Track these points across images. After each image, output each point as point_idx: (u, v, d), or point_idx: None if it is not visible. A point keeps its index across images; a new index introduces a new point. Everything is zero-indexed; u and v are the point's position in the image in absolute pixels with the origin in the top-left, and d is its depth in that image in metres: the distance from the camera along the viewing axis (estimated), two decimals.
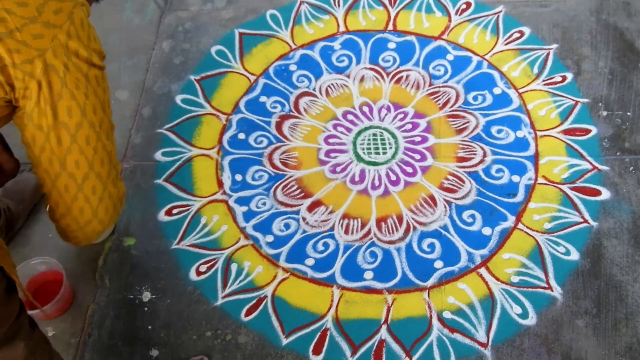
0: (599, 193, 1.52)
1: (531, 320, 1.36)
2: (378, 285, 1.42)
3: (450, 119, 1.66)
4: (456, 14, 1.86)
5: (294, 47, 1.82)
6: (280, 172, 1.60)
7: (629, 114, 1.64)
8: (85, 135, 0.85)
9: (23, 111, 0.81)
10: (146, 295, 1.44)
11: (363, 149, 1.63)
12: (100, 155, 0.89)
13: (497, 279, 1.41)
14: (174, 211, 1.56)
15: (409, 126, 1.66)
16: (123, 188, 0.99)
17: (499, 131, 1.63)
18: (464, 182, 1.56)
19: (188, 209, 1.56)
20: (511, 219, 1.49)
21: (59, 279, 1.38)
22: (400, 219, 1.51)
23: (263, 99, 1.73)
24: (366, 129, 1.66)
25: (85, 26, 0.82)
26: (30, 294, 1.42)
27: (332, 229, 1.50)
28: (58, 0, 0.78)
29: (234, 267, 1.46)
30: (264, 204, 1.55)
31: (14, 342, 0.95)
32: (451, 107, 1.68)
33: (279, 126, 1.68)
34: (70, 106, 0.82)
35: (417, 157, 1.60)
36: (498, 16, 1.84)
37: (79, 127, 0.84)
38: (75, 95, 0.82)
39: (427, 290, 1.41)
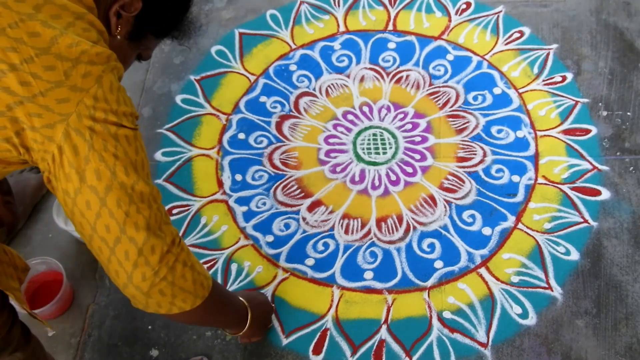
0: (599, 193, 1.52)
1: (531, 320, 1.36)
2: (378, 285, 1.42)
3: (450, 119, 1.66)
4: (456, 14, 1.86)
5: (294, 47, 1.83)
6: (280, 172, 1.60)
7: (629, 114, 1.64)
8: (116, 198, 0.80)
9: (48, 175, 0.78)
10: None
11: (363, 149, 1.63)
12: (134, 220, 0.82)
13: (497, 279, 1.41)
14: (174, 211, 1.56)
15: (409, 126, 1.66)
16: (175, 255, 0.88)
17: (499, 131, 1.63)
18: (464, 182, 1.56)
19: (188, 209, 1.56)
20: (511, 219, 1.49)
21: (59, 279, 1.38)
22: (400, 219, 1.51)
23: (263, 99, 1.73)
24: (366, 129, 1.66)
25: (115, 90, 0.78)
26: (30, 294, 1.43)
27: (332, 229, 1.51)
28: (88, 64, 0.74)
29: (234, 267, 1.46)
30: (264, 204, 1.55)
31: (3, 355, 0.94)
32: (451, 107, 1.68)
33: (279, 126, 1.68)
34: (99, 169, 0.77)
35: (417, 157, 1.60)
36: (498, 16, 1.84)
37: (108, 190, 0.79)
38: (104, 157, 0.77)
39: (427, 290, 1.41)
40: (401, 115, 1.67)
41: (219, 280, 1.44)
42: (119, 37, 0.86)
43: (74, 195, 0.78)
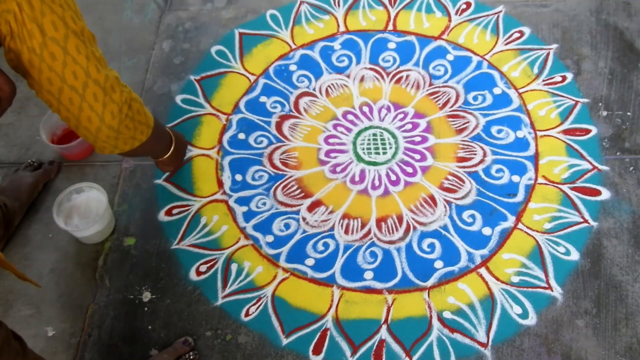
0: (599, 193, 1.52)
1: (531, 320, 1.36)
2: (378, 285, 1.42)
3: (450, 119, 1.66)
4: (456, 14, 1.86)
5: (294, 47, 1.83)
6: (280, 172, 1.60)
7: (629, 114, 1.64)
8: (75, 45, 0.90)
9: (12, 37, 0.85)
10: (146, 295, 1.44)
11: (363, 149, 1.63)
12: (94, 63, 0.94)
13: (497, 279, 1.41)
14: (174, 211, 1.56)
15: (409, 126, 1.66)
16: (128, 92, 1.03)
17: (499, 131, 1.63)
18: (464, 182, 1.56)
19: (188, 209, 1.56)
20: (511, 219, 1.49)
21: None
22: (400, 219, 1.51)
23: (263, 99, 1.73)
24: (366, 129, 1.66)
25: None
26: (60, 137, 1.64)
27: (332, 229, 1.50)
28: None
29: (234, 267, 1.46)
30: (264, 204, 1.55)
31: None
32: (451, 107, 1.68)
33: (279, 126, 1.68)
34: (54, 20, 0.87)
35: (417, 157, 1.60)
36: (498, 16, 1.84)
37: (66, 38, 0.89)
38: (54, 9, 0.87)
39: (427, 290, 1.41)
40: (401, 115, 1.67)
41: (219, 280, 1.45)
42: None
43: (40, 50, 0.87)
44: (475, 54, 1.77)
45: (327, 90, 1.73)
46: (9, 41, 0.87)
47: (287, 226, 1.52)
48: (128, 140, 1.09)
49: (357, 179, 1.58)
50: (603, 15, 1.82)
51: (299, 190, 1.57)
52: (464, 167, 1.58)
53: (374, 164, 1.60)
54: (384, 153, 1.62)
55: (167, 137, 1.42)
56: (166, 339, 1.37)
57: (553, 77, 1.71)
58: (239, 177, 1.60)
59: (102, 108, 0.97)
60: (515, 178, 1.55)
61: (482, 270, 1.43)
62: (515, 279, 1.41)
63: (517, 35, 1.80)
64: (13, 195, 1.50)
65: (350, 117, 1.68)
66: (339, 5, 1.90)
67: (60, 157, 1.65)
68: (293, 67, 1.78)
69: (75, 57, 0.91)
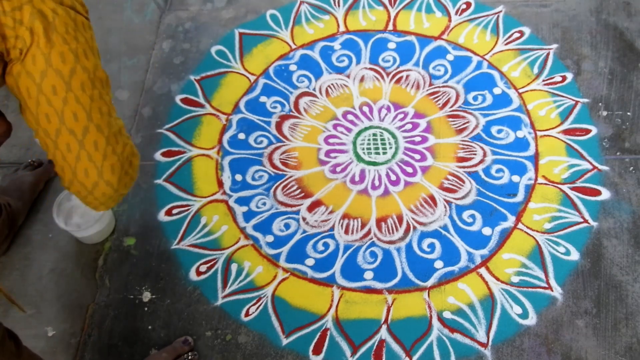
0: (599, 193, 1.52)
1: (531, 320, 1.36)
2: (378, 285, 1.42)
3: (450, 119, 1.66)
4: (456, 14, 1.86)
5: (294, 47, 1.82)
6: (280, 172, 1.60)
7: (629, 114, 1.64)
8: (80, 82, 0.81)
9: (15, 63, 0.79)
10: (146, 295, 1.44)
11: (363, 149, 1.63)
12: (98, 105, 0.84)
13: (497, 279, 1.41)
14: (174, 211, 1.56)
15: (409, 126, 1.66)
16: (130, 146, 0.92)
17: (499, 131, 1.63)
18: (464, 182, 1.56)
19: (188, 209, 1.56)
20: (511, 219, 1.49)
21: None
22: (400, 219, 1.51)
23: (263, 99, 1.73)
24: (366, 129, 1.66)
25: None
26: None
27: (332, 229, 1.50)
28: None
29: (234, 267, 1.46)
30: (264, 204, 1.55)
31: None
32: (451, 107, 1.68)
33: (279, 126, 1.68)
34: (63, 51, 0.79)
35: (417, 157, 1.60)
36: (498, 16, 1.84)
37: (72, 73, 0.80)
38: (67, 40, 0.79)
39: (427, 290, 1.41)
40: (401, 115, 1.67)
41: (219, 281, 1.45)
42: None
43: (40, 79, 0.79)
44: (475, 54, 1.77)
45: (327, 90, 1.73)
46: (12, 67, 0.80)
47: (287, 226, 1.52)
48: (117, 199, 0.98)
49: (357, 179, 1.58)
50: (603, 15, 1.82)
51: (299, 190, 1.57)
52: (464, 167, 1.58)
53: (374, 164, 1.60)
54: (384, 153, 1.62)
55: None
56: (166, 339, 1.37)
57: (553, 77, 1.71)
58: (239, 177, 1.60)
59: (102, 160, 0.86)
60: (515, 178, 1.55)
61: (482, 270, 1.43)
62: (515, 279, 1.41)
63: (517, 35, 1.80)
64: (16, 195, 1.50)
65: (350, 117, 1.68)
66: (339, 5, 1.90)
67: None
68: (293, 67, 1.78)
69: (78, 95, 0.81)
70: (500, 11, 1.85)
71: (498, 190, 1.54)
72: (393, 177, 1.58)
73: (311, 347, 1.35)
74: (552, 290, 1.39)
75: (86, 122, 0.83)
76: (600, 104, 1.66)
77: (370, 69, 1.76)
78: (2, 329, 0.98)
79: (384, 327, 1.36)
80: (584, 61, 1.74)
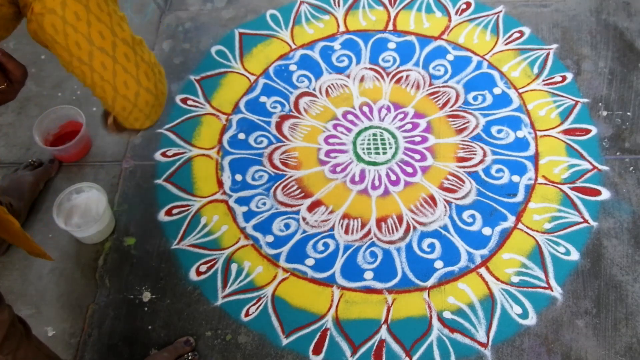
0: (599, 193, 1.52)
1: (531, 320, 1.36)
2: (378, 285, 1.42)
3: (450, 119, 1.66)
4: (456, 14, 1.86)
5: (294, 47, 1.82)
6: (280, 172, 1.60)
7: (629, 114, 1.64)
8: (96, 3, 0.85)
9: (34, 3, 0.81)
10: (146, 295, 1.44)
11: (363, 149, 1.63)
12: (116, 20, 0.88)
13: (497, 279, 1.41)
14: (174, 211, 1.56)
15: (409, 126, 1.66)
16: (153, 55, 0.97)
17: (499, 131, 1.63)
18: (464, 182, 1.56)
19: (188, 209, 1.56)
20: (511, 219, 1.49)
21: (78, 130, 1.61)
22: (400, 219, 1.51)
23: (263, 99, 1.73)
24: (366, 129, 1.66)
25: None
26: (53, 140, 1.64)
27: (332, 229, 1.50)
28: None
29: (234, 267, 1.46)
30: (264, 204, 1.55)
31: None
32: (451, 107, 1.68)
33: (279, 126, 1.68)
34: None
35: (417, 157, 1.60)
36: (498, 16, 1.84)
37: None
38: None
39: (427, 290, 1.41)
40: (401, 115, 1.67)
41: (219, 281, 1.45)
42: None
43: (62, 11, 0.82)
44: (475, 54, 1.77)
45: (327, 90, 1.73)
46: (33, 6, 0.82)
47: (287, 226, 1.52)
48: (158, 111, 1.00)
49: (357, 179, 1.58)
50: (603, 15, 1.82)
51: (299, 190, 1.57)
52: (464, 167, 1.58)
53: (374, 164, 1.60)
54: (384, 153, 1.62)
55: None
56: (166, 339, 1.37)
57: (553, 77, 1.71)
58: (239, 177, 1.60)
59: (136, 69, 0.90)
60: (515, 178, 1.55)
61: (482, 270, 1.43)
62: (515, 279, 1.41)
63: (517, 35, 1.80)
64: (17, 195, 1.50)
65: (350, 117, 1.68)
66: (339, 5, 1.90)
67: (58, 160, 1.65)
68: (293, 67, 1.78)
69: (98, 15, 0.85)
70: (500, 11, 1.85)
71: (498, 190, 1.54)
72: (393, 177, 1.58)
73: (311, 347, 1.35)
74: (552, 290, 1.39)
75: (112, 38, 0.87)
76: (600, 104, 1.66)
77: (370, 69, 1.76)
78: (12, 313, 1.00)
79: (384, 327, 1.36)
80: (584, 61, 1.74)
